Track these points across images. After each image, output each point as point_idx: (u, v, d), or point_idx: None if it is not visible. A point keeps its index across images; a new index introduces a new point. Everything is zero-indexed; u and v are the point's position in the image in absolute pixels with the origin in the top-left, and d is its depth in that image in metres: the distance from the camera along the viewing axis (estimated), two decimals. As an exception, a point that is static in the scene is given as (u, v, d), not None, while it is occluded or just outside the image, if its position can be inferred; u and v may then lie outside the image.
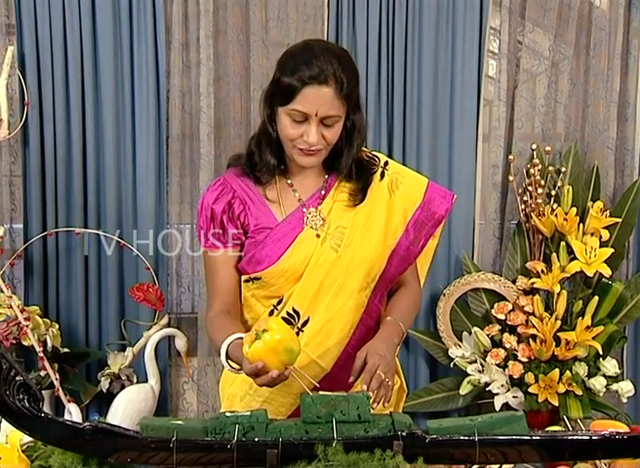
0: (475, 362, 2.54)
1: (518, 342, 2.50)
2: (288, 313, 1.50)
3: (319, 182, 1.54)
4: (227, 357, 1.35)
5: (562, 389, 2.42)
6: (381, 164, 1.57)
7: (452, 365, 2.58)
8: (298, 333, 1.49)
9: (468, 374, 2.53)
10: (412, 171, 1.63)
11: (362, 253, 1.49)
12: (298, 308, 1.49)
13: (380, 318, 1.58)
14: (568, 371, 2.45)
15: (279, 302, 1.51)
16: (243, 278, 1.53)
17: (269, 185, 1.52)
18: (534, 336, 2.47)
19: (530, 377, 2.44)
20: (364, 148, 1.57)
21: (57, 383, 2.35)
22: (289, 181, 1.53)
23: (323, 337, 1.50)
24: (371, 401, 1.22)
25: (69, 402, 2.35)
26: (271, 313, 1.52)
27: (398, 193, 1.55)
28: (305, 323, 1.50)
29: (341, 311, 1.50)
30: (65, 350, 2.50)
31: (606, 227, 2.53)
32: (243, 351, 1.24)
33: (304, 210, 1.51)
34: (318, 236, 1.49)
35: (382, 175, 1.55)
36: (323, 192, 1.53)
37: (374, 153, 1.60)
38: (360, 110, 1.48)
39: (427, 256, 1.66)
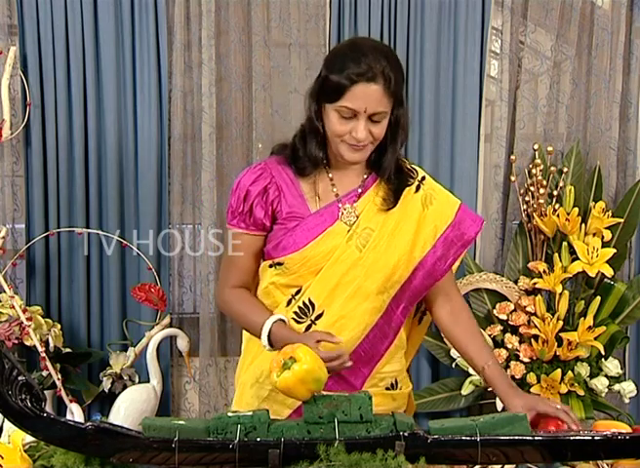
0: (477, 362, 2.54)
1: (520, 343, 2.50)
2: (304, 303, 1.51)
3: (357, 181, 1.55)
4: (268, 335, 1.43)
5: (564, 389, 2.42)
6: (419, 178, 1.59)
7: (454, 365, 2.58)
8: (310, 326, 1.50)
9: (470, 375, 2.52)
10: (446, 190, 1.64)
11: (385, 258, 1.50)
12: (314, 300, 1.51)
13: (399, 329, 1.58)
14: (570, 372, 2.45)
15: (297, 292, 1.52)
16: (267, 263, 1.55)
17: (309, 178, 1.54)
18: (536, 337, 2.47)
19: (532, 378, 2.44)
20: (405, 159, 1.59)
21: (59, 383, 2.35)
22: (330, 175, 1.55)
23: (335, 333, 1.50)
24: None
25: (71, 402, 2.35)
26: (289, 302, 1.53)
27: (432, 208, 1.56)
28: (319, 316, 1.51)
29: (356, 311, 1.51)
30: (67, 350, 2.50)
31: (608, 227, 2.53)
32: (272, 379, 1.24)
33: (340, 205, 1.53)
34: (348, 231, 1.51)
35: (418, 188, 1.57)
36: (360, 190, 1.54)
37: (413, 166, 1.62)
38: (403, 106, 1.50)
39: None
